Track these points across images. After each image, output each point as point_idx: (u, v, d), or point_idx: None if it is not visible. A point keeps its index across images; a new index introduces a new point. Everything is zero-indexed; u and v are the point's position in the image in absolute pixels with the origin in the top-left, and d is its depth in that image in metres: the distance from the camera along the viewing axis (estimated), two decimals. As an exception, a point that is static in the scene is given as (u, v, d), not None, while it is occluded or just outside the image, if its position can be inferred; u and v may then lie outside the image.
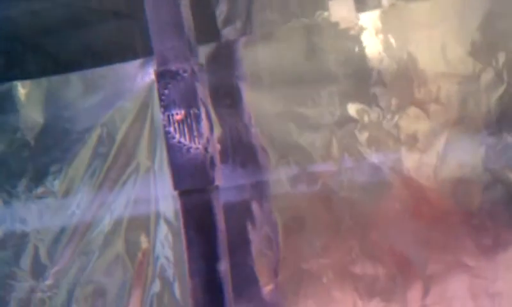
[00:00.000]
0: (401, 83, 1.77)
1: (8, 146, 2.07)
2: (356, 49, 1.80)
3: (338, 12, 1.82)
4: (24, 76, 2.08)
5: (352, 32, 1.80)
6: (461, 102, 1.73)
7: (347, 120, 1.82)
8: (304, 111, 1.85)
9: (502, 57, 1.71)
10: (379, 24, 1.78)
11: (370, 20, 1.79)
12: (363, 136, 1.81)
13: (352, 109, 1.82)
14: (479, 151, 1.72)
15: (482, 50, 1.71)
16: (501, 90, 1.71)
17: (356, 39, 1.79)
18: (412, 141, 1.77)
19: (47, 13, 1.99)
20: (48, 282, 2.04)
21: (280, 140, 1.87)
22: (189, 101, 1.65)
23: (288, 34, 1.84)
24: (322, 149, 1.84)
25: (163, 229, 1.94)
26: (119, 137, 1.96)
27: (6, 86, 2.06)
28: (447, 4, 1.73)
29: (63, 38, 2.06)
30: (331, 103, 1.83)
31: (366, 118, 1.80)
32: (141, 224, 1.95)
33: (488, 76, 1.72)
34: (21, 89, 2.06)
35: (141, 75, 1.93)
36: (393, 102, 1.78)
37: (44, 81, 2.04)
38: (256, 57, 1.88)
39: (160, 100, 1.67)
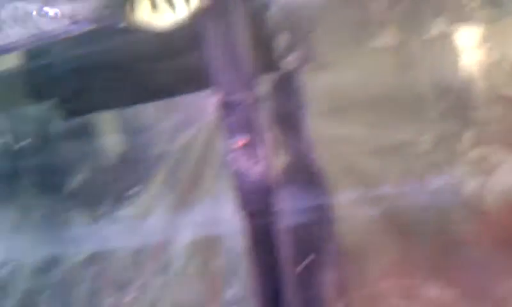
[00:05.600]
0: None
1: (91, 172, 2.25)
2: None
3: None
4: (104, 106, 2.25)
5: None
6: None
7: (407, 143, 1.84)
8: (366, 134, 1.89)
9: None
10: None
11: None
12: (425, 159, 1.82)
13: (412, 130, 1.83)
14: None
15: None
16: None
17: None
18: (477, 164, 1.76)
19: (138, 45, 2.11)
20: (130, 298, 2.18)
21: (341, 163, 1.91)
22: (251, 128, 1.74)
23: (346, 60, 1.89)
24: (384, 172, 1.86)
25: (231, 249, 2.03)
26: (190, 162, 2.09)
27: (88, 116, 2.25)
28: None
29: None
30: (392, 126, 1.85)
31: (426, 141, 1.82)
32: (212, 244, 2.05)
33: None
34: (102, 118, 2.24)
35: (209, 104, 2.04)
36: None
37: (123, 111, 2.21)
38: (317, 83, 1.94)
39: (223, 128, 1.77)
